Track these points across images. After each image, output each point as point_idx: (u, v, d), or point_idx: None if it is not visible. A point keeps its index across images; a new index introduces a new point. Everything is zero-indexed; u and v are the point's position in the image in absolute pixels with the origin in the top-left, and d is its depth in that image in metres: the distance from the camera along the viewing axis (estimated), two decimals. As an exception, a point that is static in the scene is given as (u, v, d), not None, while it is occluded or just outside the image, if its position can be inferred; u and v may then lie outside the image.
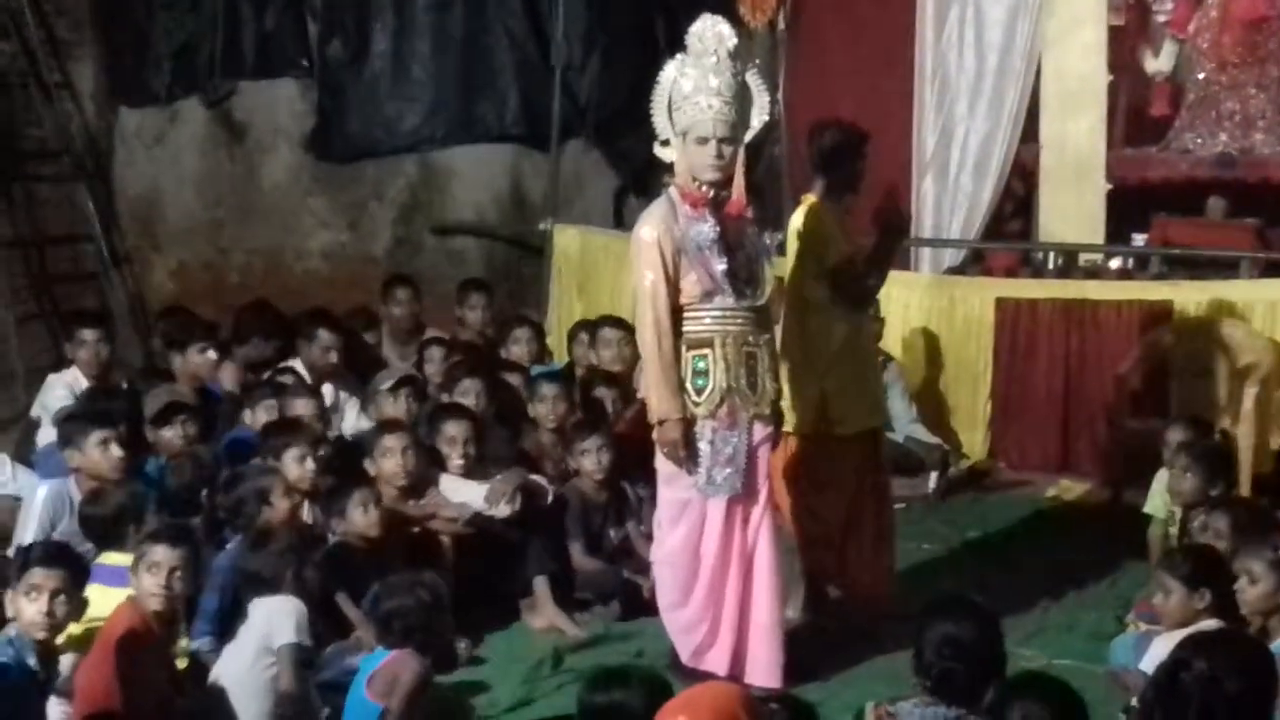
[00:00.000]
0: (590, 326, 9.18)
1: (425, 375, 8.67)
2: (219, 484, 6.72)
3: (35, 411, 8.44)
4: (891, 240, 6.92)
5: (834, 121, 6.95)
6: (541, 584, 7.08)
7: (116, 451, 6.69)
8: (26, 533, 6.56)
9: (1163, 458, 7.18)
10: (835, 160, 6.76)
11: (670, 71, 6.07)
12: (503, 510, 7.13)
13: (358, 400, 8.46)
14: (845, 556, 6.86)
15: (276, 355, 8.73)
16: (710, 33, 6.01)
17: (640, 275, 6.04)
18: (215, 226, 11.24)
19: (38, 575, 5.14)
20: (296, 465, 6.81)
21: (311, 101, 11.03)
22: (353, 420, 8.37)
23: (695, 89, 5.97)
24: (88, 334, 8.49)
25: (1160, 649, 5.20)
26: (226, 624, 5.93)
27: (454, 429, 7.42)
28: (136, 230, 11.36)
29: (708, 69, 5.97)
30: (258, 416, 7.60)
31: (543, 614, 7.02)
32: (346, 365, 8.67)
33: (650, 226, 6.03)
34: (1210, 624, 5.26)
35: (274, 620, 5.48)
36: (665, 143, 6.14)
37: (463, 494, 7.17)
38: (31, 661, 4.90)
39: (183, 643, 5.89)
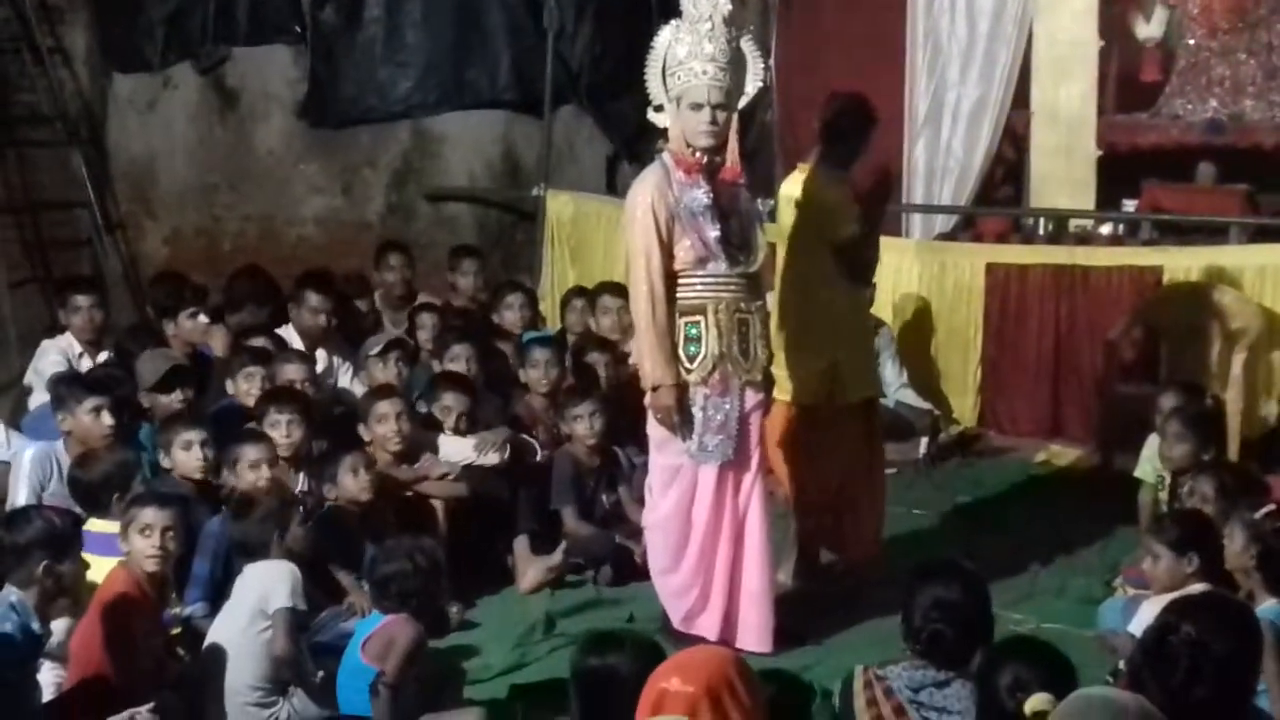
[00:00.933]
0: (586, 293, 9.20)
1: (417, 341, 8.69)
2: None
3: (29, 378, 8.43)
4: (877, 203, 6.94)
5: (852, 96, 6.92)
6: (521, 543, 7.15)
7: (107, 419, 6.69)
8: (19, 496, 6.57)
9: (1154, 423, 7.21)
10: (842, 134, 6.76)
11: (665, 36, 6.07)
12: (491, 458, 7.24)
13: (351, 365, 8.48)
14: (841, 522, 6.92)
15: (270, 321, 8.75)
16: (705, -1, 6.02)
17: (633, 241, 6.06)
18: (209, 192, 11.23)
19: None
20: (284, 431, 6.83)
21: (304, 67, 11.01)
22: (346, 385, 8.38)
23: (690, 55, 5.98)
24: (81, 300, 8.49)
25: (1149, 613, 5.22)
26: (219, 590, 5.95)
27: (450, 399, 7.48)
28: (130, 196, 11.35)
29: (703, 35, 5.97)
30: (239, 385, 7.59)
31: (527, 572, 7.07)
32: (341, 330, 8.68)
33: (644, 193, 6.04)
34: (1198, 588, 5.28)
35: (268, 584, 5.50)
36: (659, 108, 6.15)
37: (457, 450, 7.23)
38: (35, 625, 4.94)
39: (174, 609, 5.92)
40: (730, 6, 6.02)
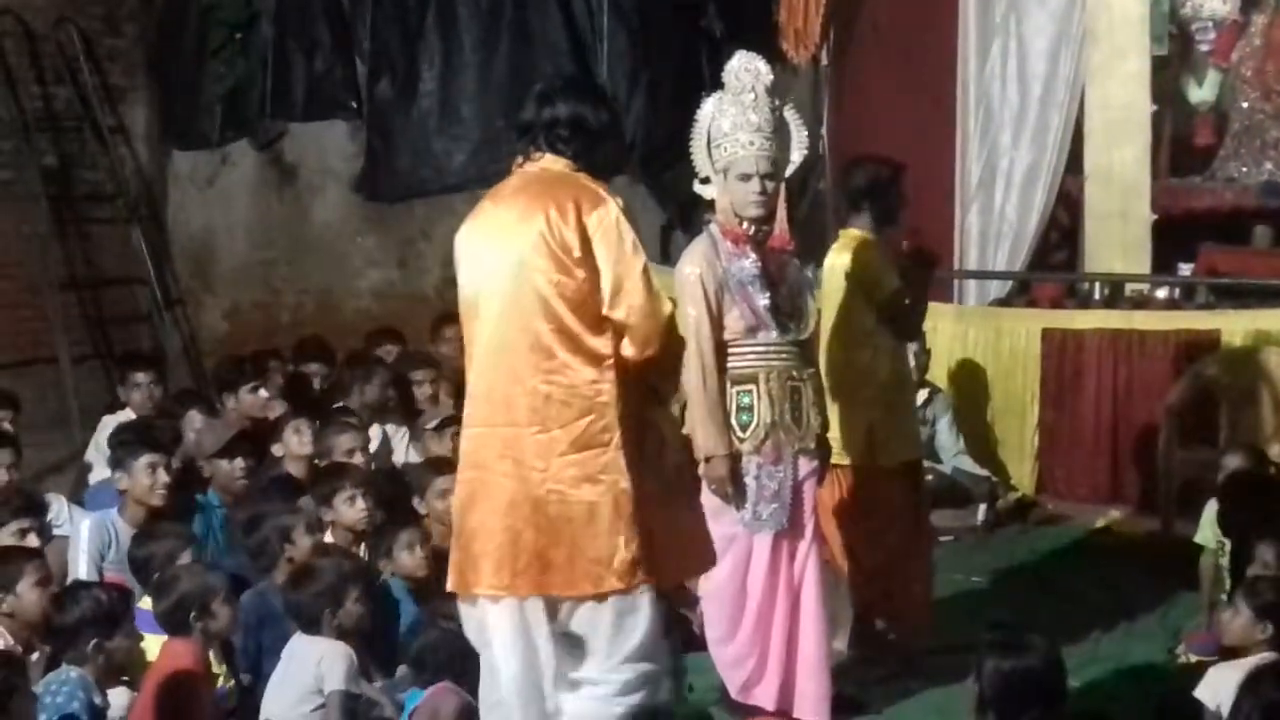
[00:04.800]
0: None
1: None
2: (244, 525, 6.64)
3: (89, 454, 8.50)
4: (922, 274, 6.90)
5: (867, 157, 6.99)
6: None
7: (163, 477, 6.68)
8: (79, 568, 6.53)
9: (1214, 487, 7.13)
10: (873, 196, 6.78)
11: (708, 110, 6.10)
12: None
13: (408, 436, 8.51)
14: (892, 589, 6.86)
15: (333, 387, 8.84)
16: (746, 69, 6.04)
17: (683, 312, 6.07)
18: (267, 267, 11.36)
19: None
20: (349, 507, 6.78)
21: (360, 142, 11.14)
22: (401, 456, 8.41)
23: (734, 126, 6.00)
24: (140, 377, 8.58)
25: (1218, 678, 5.22)
26: (253, 661, 5.95)
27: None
28: (189, 271, 11.50)
29: (746, 106, 6.00)
30: (288, 440, 7.55)
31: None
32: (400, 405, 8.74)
33: (692, 264, 6.07)
34: (1269, 656, 5.25)
35: (325, 664, 5.49)
36: (705, 180, 6.17)
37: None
38: (98, 699, 4.98)
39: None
40: (771, 77, 6.05)
